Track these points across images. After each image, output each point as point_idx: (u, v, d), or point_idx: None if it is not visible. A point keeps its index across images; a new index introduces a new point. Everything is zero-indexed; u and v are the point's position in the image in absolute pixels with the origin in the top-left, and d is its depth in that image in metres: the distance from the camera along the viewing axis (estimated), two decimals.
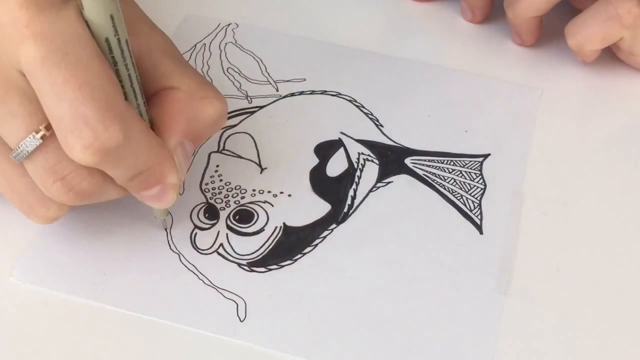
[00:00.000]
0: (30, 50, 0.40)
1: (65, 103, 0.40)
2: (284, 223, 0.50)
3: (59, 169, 0.42)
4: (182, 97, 0.45)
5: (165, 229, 0.49)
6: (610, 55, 0.59)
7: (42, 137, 0.42)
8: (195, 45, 0.59)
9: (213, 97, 0.46)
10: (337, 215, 0.50)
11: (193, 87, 0.45)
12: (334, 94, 0.57)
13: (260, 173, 0.52)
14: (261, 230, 0.49)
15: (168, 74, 0.45)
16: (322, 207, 0.50)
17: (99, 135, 0.40)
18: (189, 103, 0.45)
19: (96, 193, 0.44)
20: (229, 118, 0.55)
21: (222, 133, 0.54)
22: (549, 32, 0.61)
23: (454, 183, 0.52)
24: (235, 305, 0.46)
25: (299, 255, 0.48)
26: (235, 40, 0.60)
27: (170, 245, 0.48)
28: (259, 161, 0.52)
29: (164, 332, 0.45)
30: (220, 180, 0.51)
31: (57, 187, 0.43)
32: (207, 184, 0.51)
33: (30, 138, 0.42)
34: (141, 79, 0.44)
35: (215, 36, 0.60)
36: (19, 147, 0.42)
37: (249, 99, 0.56)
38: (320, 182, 0.52)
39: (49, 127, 0.42)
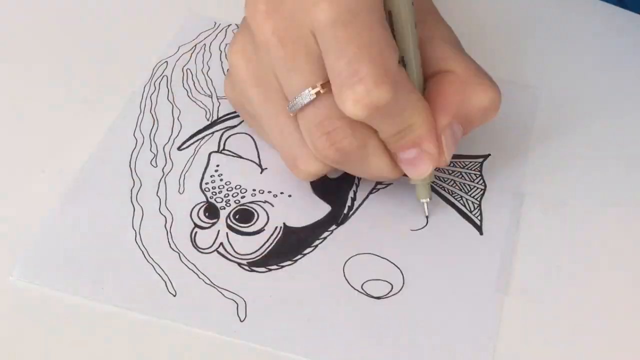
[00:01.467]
0: (324, 11, 0.43)
1: (344, 59, 0.43)
2: (284, 223, 0.50)
3: (326, 123, 0.45)
4: (456, 80, 0.48)
5: (426, 216, 0.50)
6: (610, 55, 0.59)
7: (317, 93, 0.45)
8: (196, 45, 0.59)
9: (488, 85, 0.48)
10: (337, 216, 0.50)
11: (469, 72, 0.48)
12: None
13: (261, 173, 0.52)
14: (261, 230, 0.49)
15: (446, 58, 0.48)
16: (322, 208, 0.50)
17: (371, 91, 0.43)
18: (463, 87, 0.48)
19: (356, 154, 0.46)
20: (229, 118, 0.55)
21: (223, 133, 0.54)
22: (549, 32, 0.61)
23: (454, 184, 0.52)
24: (235, 305, 0.46)
25: (299, 256, 0.48)
26: None
27: (170, 244, 0.48)
28: (259, 161, 0.52)
29: (164, 332, 0.45)
30: (221, 180, 0.51)
31: (322, 141, 0.46)
32: (207, 184, 0.51)
33: (307, 92, 0.45)
34: (422, 61, 0.48)
35: (216, 37, 0.60)
36: (295, 99, 0.46)
37: None
38: (320, 183, 0.52)
39: (324, 85, 0.45)
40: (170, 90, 0.56)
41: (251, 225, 0.49)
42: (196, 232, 0.49)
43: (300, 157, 0.48)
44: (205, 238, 0.49)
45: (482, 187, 0.52)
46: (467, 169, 0.53)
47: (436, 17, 0.51)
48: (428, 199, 0.50)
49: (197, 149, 0.53)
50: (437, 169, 0.52)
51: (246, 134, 0.54)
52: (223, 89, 0.54)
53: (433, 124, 0.47)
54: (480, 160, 0.53)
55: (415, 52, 0.47)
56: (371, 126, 0.46)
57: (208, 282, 0.47)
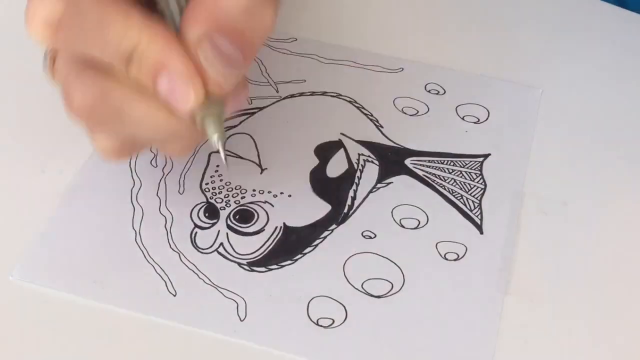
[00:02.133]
0: None
1: None
2: (284, 223, 0.50)
3: (57, 84, 0.41)
4: None
5: (224, 157, 0.44)
6: (610, 55, 0.59)
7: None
8: None
9: None
10: (337, 216, 0.50)
11: None
12: (334, 95, 0.57)
13: (261, 173, 0.52)
14: (261, 230, 0.49)
15: None
16: (322, 208, 0.50)
17: (38, 7, 0.38)
18: None
19: (103, 111, 0.41)
20: (229, 119, 0.55)
21: None
22: (549, 32, 0.61)
23: (454, 183, 0.52)
24: (236, 305, 0.46)
25: (299, 255, 0.48)
26: None
27: (170, 244, 0.48)
28: (259, 162, 0.52)
29: (164, 332, 0.45)
30: (221, 180, 0.51)
31: (65, 107, 0.41)
32: (207, 184, 0.51)
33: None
34: None
35: None
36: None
37: (249, 100, 0.56)
38: (320, 182, 0.52)
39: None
40: None
41: (251, 225, 0.49)
42: (196, 232, 0.49)
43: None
44: (205, 238, 0.49)
45: (483, 187, 0.52)
46: (468, 168, 0.53)
47: None
48: (216, 134, 0.42)
49: (197, 149, 0.53)
50: (437, 169, 0.53)
51: (246, 134, 0.54)
52: None
53: (169, 38, 0.39)
54: (481, 159, 0.53)
55: None
56: (106, 72, 0.40)
57: (208, 282, 0.47)
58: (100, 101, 0.40)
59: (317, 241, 0.49)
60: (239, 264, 0.48)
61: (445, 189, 0.52)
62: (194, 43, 0.39)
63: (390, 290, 0.47)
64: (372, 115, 0.56)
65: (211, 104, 0.41)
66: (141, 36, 0.39)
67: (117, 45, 0.39)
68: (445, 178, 0.52)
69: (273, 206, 0.50)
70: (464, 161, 0.53)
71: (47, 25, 0.38)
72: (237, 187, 0.51)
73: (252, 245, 0.48)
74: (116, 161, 0.45)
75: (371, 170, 0.53)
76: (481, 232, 0.50)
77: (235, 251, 0.48)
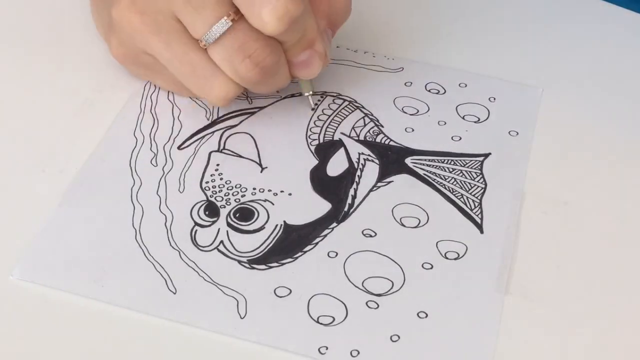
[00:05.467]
0: None
1: None
2: (284, 221, 0.50)
3: (246, 47, 0.49)
4: None
5: (312, 109, 0.56)
6: (611, 55, 0.59)
7: (232, 20, 0.49)
8: None
9: None
10: (337, 214, 0.50)
11: None
12: (335, 94, 0.57)
13: (261, 172, 0.52)
14: (261, 228, 0.49)
15: None
16: (322, 206, 0.50)
17: (289, 5, 0.47)
18: None
19: (274, 70, 0.51)
20: (229, 118, 0.55)
21: (223, 133, 0.54)
22: (550, 32, 0.61)
23: (455, 182, 0.52)
24: (236, 303, 0.46)
25: (300, 253, 0.48)
26: None
27: (170, 242, 0.48)
28: (259, 160, 0.52)
29: (165, 330, 0.45)
30: (221, 179, 0.51)
31: (246, 64, 0.50)
32: (207, 182, 0.51)
33: (222, 22, 0.49)
34: None
35: None
36: (209, 32, 0.49)
37: (249, 99, 0.56)
38: (320, 181, 0.52)
39: (236, 12, 0.49)
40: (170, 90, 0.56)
41: (251, 223, 0.49)
42: (196, 230, 0.49)
43: (216, 84, 0.51)
44: (205, 236, 0.49)
45: (483, 186, 0.52)
46: (468, 167, 0.53)
47: None
48: (312, 92, 0.55)
49: (197, 148, 0.53)
50: (437, 168, 0.53)
51: (246, 133, 0.54)
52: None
53: (317, 26, 0.52)
54: (481, 158, 0.53)
55: None
56: (278, 39, 0.50)
57: (208, 279, 0.47)
58: (277, 63, 0.51)
59: (318, 239, 0.49)
60: (239, 262, 0.48)
61: (445, 188, 0.52)
62: (320, 30, 0.53)
63: (390, 289, 0.47)
64: (372, 115, 0.56)
65: None
66: (310, 21, 0.51)
67: (303, 31, 0.51)
68: (446, 177, 0.52)
69: (273, 204, 0.50)
70: (464, 160, 0.53)
71: (289, 21, 0.48)
72: (237, 186, 0.51)
73: (252, 243, 0.48)
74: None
75: (371, 169, 0.53)
76: (481, 232, 0.50)
77: (235, 249, 0.48)
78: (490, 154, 0.54)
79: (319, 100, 0.56)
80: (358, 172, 0.52)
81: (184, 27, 0.50)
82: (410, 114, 0.56)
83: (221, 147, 0.53)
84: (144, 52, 0.52)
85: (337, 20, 0.54)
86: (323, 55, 0.53)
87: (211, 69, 0.51)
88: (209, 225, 0.49)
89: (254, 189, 0.51)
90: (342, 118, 0.56)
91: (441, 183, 0.52)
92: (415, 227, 0.50)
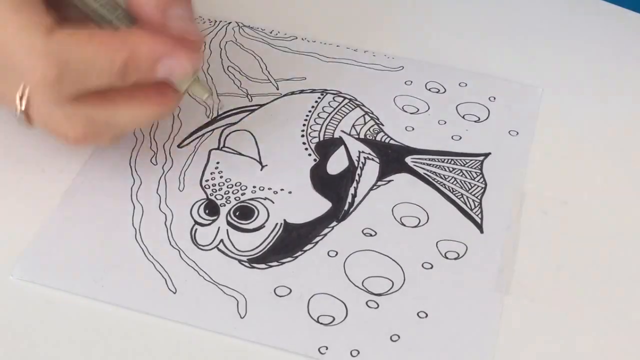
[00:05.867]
0: None
1: None
2: (284, 220, 0.50)
3: (49, 125, 0.46)
4: None
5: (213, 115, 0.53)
6: (611, 55, 0.59)
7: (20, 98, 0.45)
8: None
9: None
10: (337, 213, 0.50)
11: None
12: (335, 92, 0.57)
13: (261, 170, 0.52)
14: (261, 226, 0.49)
15: None
16: (322, 205, 0.50)
17: (36, 81, 0.43)
18: None
19: (104, 130, 0.46)
20: (229, 116, 0.55)
21: (223, 130, 0.54)
22: (550, 32, 0.61)
23: (455, 182, 0.52)
24: (236, 302, 0.46)
25: (300, 252, 0.48)
26: (236, 39, 0.60)
27: (170, 242, 0.48)
28: (259, 158, 0.52)
29: (164, 329, 0.45)
30: (221, 177, 0.51)
31: (61, 141, 0.47)
32: (207, 181, 0.51)
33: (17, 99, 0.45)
34: None
35: (216, 35, 0.60)
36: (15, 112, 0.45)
37: (249, 97, 0.56)
38: (320, 180, 0.52)
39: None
40: None
41: (251, 222, 0.49)
42: (196, 229, 0.49)
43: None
44: (205, 235, 0.49)
45: (483, 185, 0.52)
46: (468, 166, 0.53)
47: None
48: (207, 94, 0.49)
49: (197, 147, 0.53)
50: (437, 167, 0.53)
51: (246, 131, 0.54)
52: (223, 88, 0.54)
53: (153, 40, 0.45)
54: (481, 158, 0.53)
55: None
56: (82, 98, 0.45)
57: (208, 278, 0.47)
58: (90, 125, 0.46)
59: (318, 238, 0.49)
60: (239, 261, 0.48)
61: (445, 187, 0.52)
62: (159, 20, 0.46)
63: (390, 288, 0.47)
64: (372, 113, 0.56)
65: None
66: (127, 48, 0.44)
67: (110, 67, 0.44)
68: (446, 176, 0.52)
69: (273, 203, 0.50)
70: (464, 160, 0.53)
71: (53, 83, 0.43)
72: (237, 184, 0.51)
73: (252, 242, 0.48)
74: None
75: (372, 168, 0.52)
76: (481, 231, 0.50)
77: (235, 248, 0.48)
78: (490, 153, 0.54)
79: (318, 98, 0.56)
80: (358, 171, 0.52)
81: None
82: (411, 113, 0.56)
83: (221, 145, 0.53)
84: None
85: None
86: (186, 54, 0.46)
87: None
88: (209, 224, 0.49)
89: (254, 187, 0.51)
90: (343, 116, 0.56)
91: (441, 182, 0.52)
92: (415, 226, 0.50)
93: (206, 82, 0.52)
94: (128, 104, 0.46)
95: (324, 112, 0.56)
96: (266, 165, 0.52)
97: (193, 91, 0.49)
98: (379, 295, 0.47)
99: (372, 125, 0.55)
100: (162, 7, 0.46)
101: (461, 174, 0.53)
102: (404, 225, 0.50)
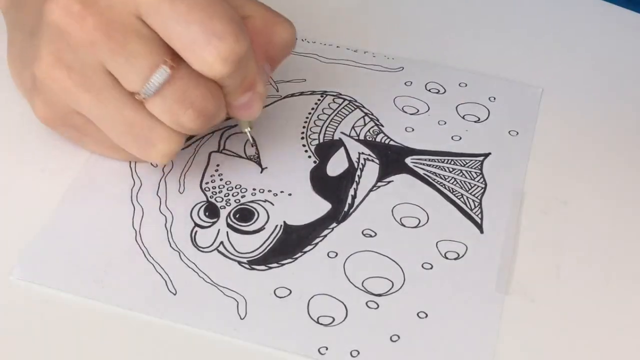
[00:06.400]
0: None
1: (195, 25, 0.44)
2: (284, 222, 0.50)
3: (187, 96, 0.46)
4: (258, 23, 0.49)
5: (254, 147, 0.53)
6: (611, 55, 0.59)
7: (171, 68, 0.45)
8: None
9: (284, 21, 0.50)
10: (337, 214, 0.50)
11: (265, 14, 0.50)
12: (335, 94, 0.57)
13: (261, 172, 0.52)
14: (261, 228, 0.49)
15: (242, 5, 0.49)
16: (322, 206, 0.50)
17: (233, 46, 0.45)
18: (265, 28, 0.49)
19: (218, 113, 0.47)
20: (228, 118, 0.55)
21: (223, 133, 0.54)
22: (550, 31, 0.61)
23: (455, 182, 0.52)
24: (236, 303, 0.46)
25: (300, 254, 0.48)
26: None
27: (170, 243, 0.48)
28: (259, 160, 0.52)
29: (164, 331, 0.45)
30: (221, 180, 0.51)
31: (189, 114, 0.46)
32: (207, 183, 0.51)
33: (161, 71, 0.45)
34: None
35: None
36: (148, 83, 0.45)
37: None
38: (320, 181, 0.52)
39: (174, 58, 0.45)
40: None
41: (251, 224, 0.49)
42: (196, 231, 0.49)
43: (159, 139, 0.47)
44: (205, 237, 0.49)
45: (483, 186, 0.52)
46: (468, 167, 0.53)
47: None
48: (250, 127, 0.52)
49: (197, 149, 0.53)
50: (437, 168, 0.53)
51: (246, 133, 0.54)
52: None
53: (258, 68, 0.49)
54: (481, 158, 0.53)
55: None
56: (220, 83, 0.47)
57: (208, 280, 0.47)
58: (219, 106, 0.48)
59: (317, 240, 0.49)
60: (239, 263, 0.48)
61: (445, 187, 0.52)
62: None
63: (390, 289, 0.47)
64: (372, 114, 0.56)
65: None
66: (252, 63, 0.48)
67: (246, 74, 0.48)
68: (446, 177, 0.52)
69: (273, 205, 0.50)
70: (464, 160, 0.53)
71: (234, 62, 0.45)
72: (237, 186, 0.51)
73: (252, 244, 0.48)
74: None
75: (371, 169, 0.53)
76: (481, 232, 0.50)
77: (235, 250, 0.48)
78: (490, 153, 0.54)
79: (318, 100, 0.56)
80: (358, 172, 0.52)
81: (116, 80, 0.46)
82: (411, 114, 0.56)
83: (221, 148, 0.53)
84: (74, 112, 0.48)
85: (277, 56, 0.51)
86: (264, 96, 0.49)
87: (150, 123, 0.47)
88: (209, 226, 0.49)
89: (254, 189, 0.51)
90: (342, 117, 0.56)
91: (441, 183, 0.52)
92: (415, 227, 0.50)
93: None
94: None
95: (324, 114, 0.56)
96: (266, 167, 0.52)
97: (241, 123, 0.52)
98: (379, 295, 0.47)
99: (372, 127, 0.55)
100: (261, 56, 0.49)
101: (461, 174, 0.53)
102: (404, 225, 0.50)
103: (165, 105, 0.46)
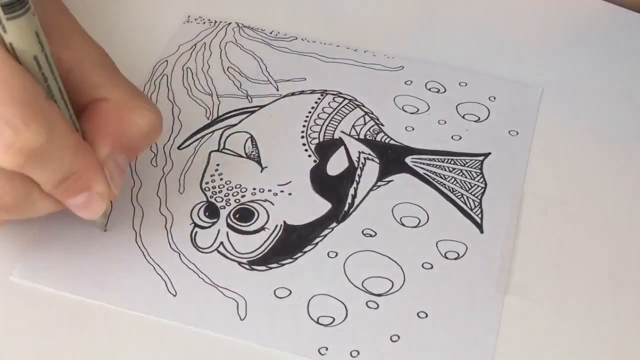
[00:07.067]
0: None
1: None
2: (284, 221, 0.50)
3: None
4: (111, 107, 0.44)
5: (105, 230, 0.49)
6: (611, 55, 0.59)
7: None
8: (196, 44, 0.59)
9: (144, 107, 0.45)
10: (337, 214, 0.50)
11: (124, 97, 0.45)
12: (335, 93, 0.57)
13: (261, 172, 0.52)
14: (262, 228, 0.49)
15: (97, 85, 0.45)
16: (322, 206, 0.50)
17: (21, 133, 0.39)
18: (119, 113, 0.44)
19: (22, 206, 0.43)
20: (229, 117, 0.55)
21: (223, 132, 0.54)
22: (550, 31, 0.61)
23: (455, 182, 0.52)
24: (236, 304, 0.46)
25: (300, 254, 0.48)
26: (236, 40, 0.60)
27: (170, 244, 0.48)
28: (259, 160, 0.52)
29: (165, 332, 0.45)
30: (221, 179, 0.51)
31: None
32: (207, 183, 0.51)
33: None
34: (72, 91, 0.44)
35: (216, 35, 0.60)
36: None
37: (249, 98, 0.56)
38: (320, 180, 0.52)
39: None
40: (170, 89, 0.56)
41: (251, 224, 0.49)
42: (196, 232, 0.49)
43: None
44: (205, 237, 0.49)
45: (483, 185, 0.52)
46: (468, 166, 0.53)
47: (83, 38, 0.46)
48: (104, 230, 0.49)
49: (197, 148, 0.53)
50: (437, 167, 0.53)
51: (246, 132, 0.54)
52: (222, 89, 0.53)
53: (98, 165, 0.44)
54: (481, 158, 0.53)
55: (56, 84, 0.43)
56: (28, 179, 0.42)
57: (208, 281, 0.47)
58: (23, 201, 0.43)
59: (318, 239, 0.49)
60: (239, 263, 0.48)
61: (445, 187, 0.52)
62: (102, 159, 0.44)
63: (390, 289, 0.47)
64: (372, 114, 0.56)
65: None
66: (84, 163, 0.43)
67: (65, 172, 0.42)
68: (446, 176, 0.52)
69: (273, 204, 0.50)
70: (464, 160, 0.53)
71: (22, 154, 0.40)
72: (237, 186, 0.51)
73: (252, 244, 0.48)
74: None
75: (372, 168, 0.53)
76: (481, 231, 0.50)
77: (235, 250, 0.48)
78: (490, 153, 0.54)
79: (318, 99, 0.56)
80: (358, 171, 0.52)
81: None
82: (411, 113, 0.56)
83: (221, 147, 0.53)
84: None
85: (135, 144, 0.45)
86: (107, 194, 0.44)
87: None
88: (209, 227, 0.49)
89: (254, 189, 0.51)
90: (342, 116, 0.56)
91: (441, 182, 0.52)
92: (415, 226, 0.50)
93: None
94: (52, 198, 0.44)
95: (324, 112, 0.56)
96: (266, 166, 0.52)
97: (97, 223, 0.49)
98: (379, 295, 0.47)
99: (372, 126, 0.55)
100: (109, 146, 0.45)
101: (461, 174, 0.53)
102: (404, 225, 0.50)
103: None
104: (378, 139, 0.54)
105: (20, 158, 0.40)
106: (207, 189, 0.51)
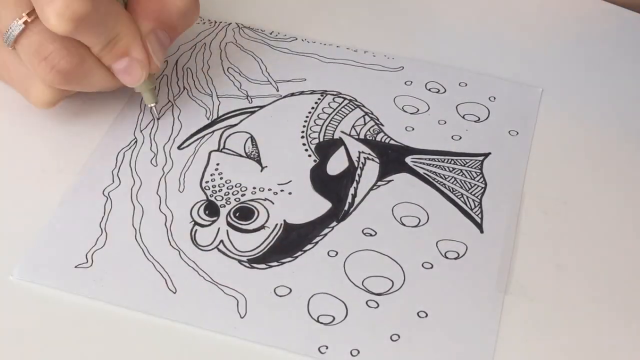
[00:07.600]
0: None
1: None
2: (284, 220, 0.50)
3: (41, 49, 0.48)
4: None
5: (158, 118, 0.55)
6: (611, 55, 0.59)
7: (25, 22, 0.48)
8: (196, 44, 0.59)
9: None
10: (337, 213, 0.50)
11: None
12: (335, 93, 0.57)
13: (261, 171, 0.52)
14: (262, 227, 0.49)
15: None
16: (322, 205, 0.50)
17: (70, 3, 0.46)
18: None
19: (76, 73, 0.49)
20: (229, 117, 0.55)
21: (223, 132, 0.54)
22: (550, 31, 0.61)
23: (455, 182, 0.52)
24: (236, 302, 0.46)
25: (300, 253, 0.48)
26: (236, 40, 0.60)
27: (170, 242, 0.48)
28: (260, 159, 0.52)
29: (164, 330, 0.45)
30: (221, 179, 0.51)
31: (42, 67, 0.48)
32: (207, 182, 0.51)
33: (15, 23, 0.48)
34: None
35: (216, 36, 0.60)
36: (7, 32, 0.48)
37: (249, 98, 0.56)
38: (320, 180, 0.52)
39: (31, 13, 0.48)
40: (170, 89, 0.56)
41: (251, 222, 0.49)
42: (196, 230, 0.49)
43: (32, 86, 0.51)
44: (205, 235, 0.49)
45: (483, 185, 0.52)
46: (468, 166, 0.53)
47: None
48: (154, 103, 0.54)
49: (197, 148, 0.53)
50: (437, 167, 0.53)
51: (246, 132, 0.54)
52: (223, 90, 0.55)
53: (137, 32, 0.50)
54: (481, 158, 0.53)
55: None
56: (83, 43, 0.49)
57: (208, 279, 0.47)
58: (78, 66, 0.49)
59: (318, 238, 0.49)
60: (239, 261, 0.48)
61: (445, 187, 0.52)
62: (144, 33, 0.51)
63: (390, 288, 0.47)
64: (372, 114, 0.56)
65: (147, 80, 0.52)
66: (123, 28, 0.50)
67: (108, 35, 0.49)
68: (446, 176, 0.52)
69: (273, 203, 0.50)
70: (464, 160, 0.53)
71: (73, 20, 0.46)
72: (237, 185, 0.51)
73: (252, 243, 0.48)
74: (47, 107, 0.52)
75: (372, 168, 0.53)
76: (481, 231, 0.50)
77: (235, 248, 0.48)
78: (490, 153, 0.54)
79: (318, 99, 0.56)
80: (358, 171, 0.52)
81: None
82: (411, 113, 0.56)
83: (221, 147, 0.53)
84: None
85: (175, 23, 0.52)
86: (144, 63, 0.51)
87: (24, 69, 0.50)
88: (209, 225, 0.49)
89: (254, 188, 0.51)
90: (343, 117, 0.56)
91: (441, 182, 0.52)
92: (416, 226, 0.50)
93: (156, 94, 0.55)
94: (104, 68, 0.51)
95: (324, 113, 0.56)
96: (266, 166, 0.52)
97: (144, 96, 0.54)
98: (379, 295, 0.47)
99: (372, 126, 0.55)
100: (151, 22, 0.51)
101: (461, 173, 0.53)
102: (404, 225, 0.50)
103: (24, 54, 0.49)
104: (378, 139, 0.54)
105: (70, 25, 0.46)
106: (207, 187, 0.51)
